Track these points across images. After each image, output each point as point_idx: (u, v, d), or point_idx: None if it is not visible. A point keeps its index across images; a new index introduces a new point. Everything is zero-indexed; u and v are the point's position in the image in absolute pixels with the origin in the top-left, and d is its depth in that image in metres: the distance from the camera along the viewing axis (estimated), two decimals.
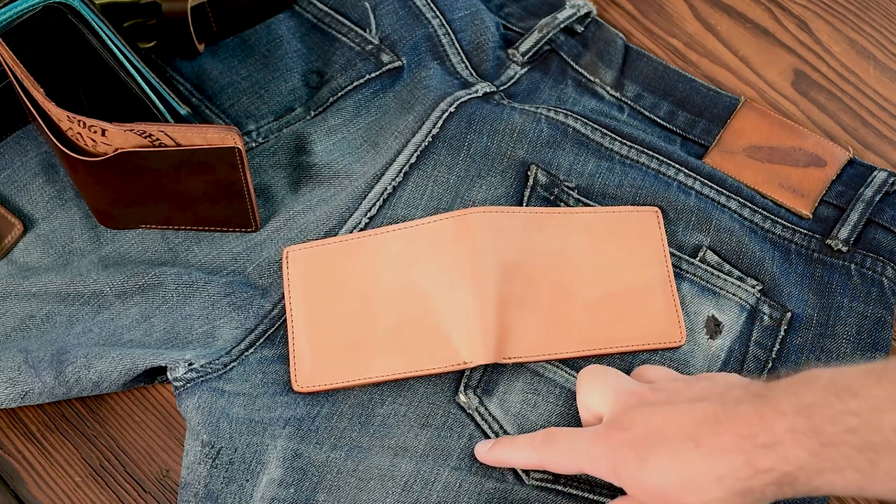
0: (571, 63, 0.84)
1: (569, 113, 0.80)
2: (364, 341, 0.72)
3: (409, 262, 0.73)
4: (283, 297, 0.75)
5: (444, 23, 0.84)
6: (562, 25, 0.84)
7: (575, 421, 0.71)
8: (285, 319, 0.75)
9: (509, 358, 0.71)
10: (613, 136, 0.79)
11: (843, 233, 0.76)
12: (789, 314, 0.74)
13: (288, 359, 0.73)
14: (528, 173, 0.78)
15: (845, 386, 0.50)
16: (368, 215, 0.77)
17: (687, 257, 0.76)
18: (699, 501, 0.55)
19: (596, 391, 0.63)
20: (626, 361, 0.73)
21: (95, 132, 0.70)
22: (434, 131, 0.79)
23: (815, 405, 0.51)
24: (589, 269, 0.74)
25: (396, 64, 0.83)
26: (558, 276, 0.73)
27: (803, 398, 0.51)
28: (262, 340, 0.74)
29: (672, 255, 0.76)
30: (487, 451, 0.68)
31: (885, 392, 0.49)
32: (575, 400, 0.72)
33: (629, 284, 0.73)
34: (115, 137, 0.70)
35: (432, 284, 0.72)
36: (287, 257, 0.75)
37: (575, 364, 0.73)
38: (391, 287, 0.73)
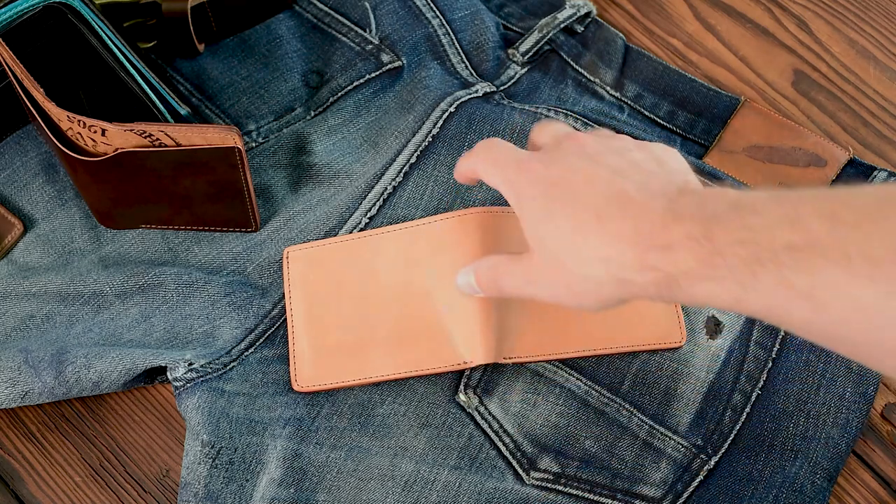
0: (571, 63, 0.84)
1: (569, 113, 0.80)
2: (364, 341, 0.72)
3: (410, 261, 0.73)
4: (284, 296, 0.75)
5: (444, 23, 0.84)
6: (562, 25, 0.84)
7: (576, 420, 0.71)
8: (285, 319, 0.75)
9: (509, 358, 0.71)
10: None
11: None
12: None
13: (288, 359, 0.73)
14: None
15: (748, 203, 0.50)
16: (368, 215, 0.77)
17: None
18: (579, 272, 0.56)
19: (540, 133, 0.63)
20: (625, 361, 0.73)
21: (95, 132, 0.70)
22: (434, 131, 0.79)
23: (716, 216, 0.51)
24: None
25: (396, 64, 0.83)
26: None
27: (707, 209, 0.51)
28: (262, 340, 0.74)
29: None
30: (458, 165, 0.66)
31: (783, 212, 0.49)
32: (575, 399, 0.72)
33: None
34: (115, 137, 0.70)
35: (432, 284, 0.72)
36: (287, 257, 0.75)
37: (575, 364, 0.73)
38: (391, 287, 0.73)
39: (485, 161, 0.62)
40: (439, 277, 0.72)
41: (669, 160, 0.58)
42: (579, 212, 0.55)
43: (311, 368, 0.72)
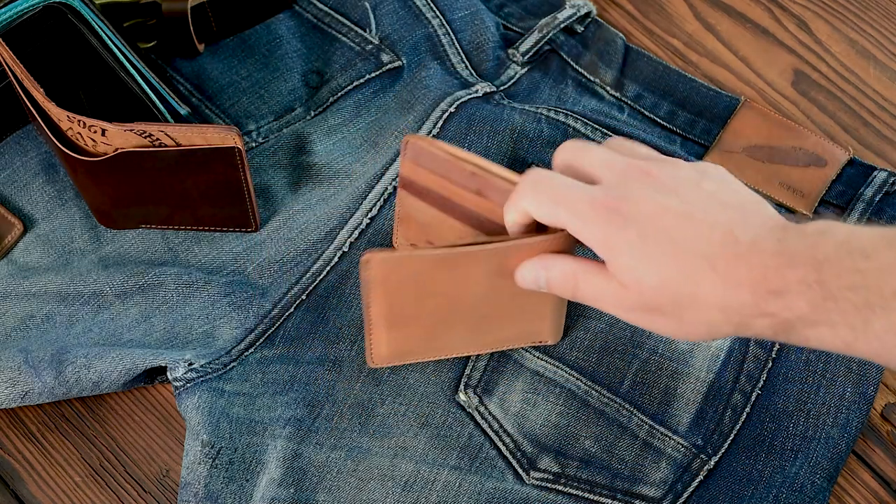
0: (571, 63, 0.84)
1: (569, 113, 0.80)
2: (446, 330, 0.69)
3: (497, 276, 0.66)
4: (284, 296, 0.75)
5: (444, 23, 0.84)
6: (562, 25, 0.84)
7: (576, 420, 0.71)
8: (286, 318, 0.74)
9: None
10: (614, 136, 0.79)
11: None
12: None
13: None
14: None
15: (858, 246, 0.50)
16: (369, 216, 0.77)
17: None
18: (695, 318, 0.55)
19: (575, 155, 0.58)
20: (625, 361, 0.73)
21: (95, 132, 0.70)
22: (434, 131, 0.79)
23: (827, 260, 0.51)
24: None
25: (396, 64, 0.83)
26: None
27: (818, 252, 0.51)
28: (262, 340, 0.74)
29: None
30: (507, 216, 0.60)
31: (893, 256, 0.49)
32: (575, 399, 0.72)
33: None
34: (115, 137, 0.70)
35: (512, 299, 0.68)
36: (367, 263, 0.65)
37: (575, 364, 0.73)
38: (474, 301, 0.68)
39: (543, 199, 0.57)
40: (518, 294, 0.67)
41: (733, 182, 0.57)
42: (688, 257, 0.54)
43: (387, 351, 0.70)
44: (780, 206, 0.78)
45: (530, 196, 0.58)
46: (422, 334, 0.70)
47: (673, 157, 0.78)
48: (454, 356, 0.72)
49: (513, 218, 0.60)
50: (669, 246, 0.54)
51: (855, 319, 0.50)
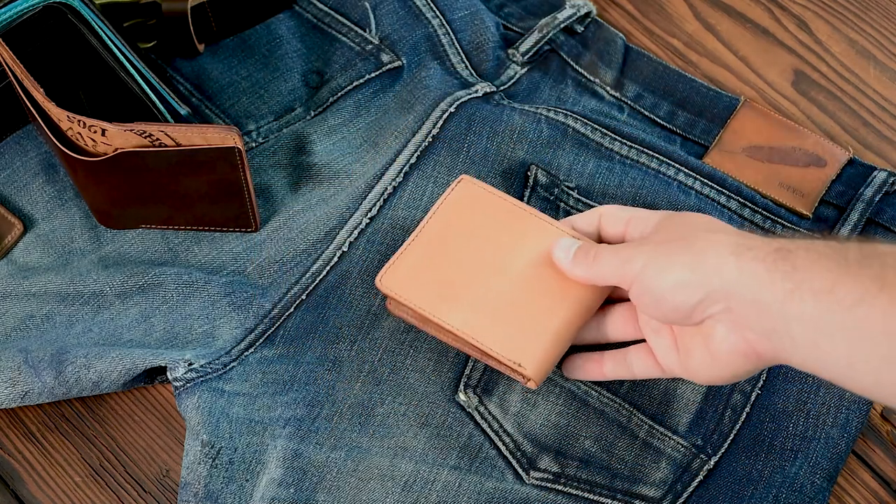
0: (571, 63, 0.84)
1: (569, 113, 0.80)
2: (457, 290, 0.69)
3: (542, 258, 0.70)
4: (284, 296, 0.75)
5: (444, 23, 0.84)
6: (562, 25, 0.84)
7: (575, 420, 0.71)
8: (288, 316, 0.74)
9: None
10: (613, 135, 0.79)
11: (844, 232, 0.76)
12: None
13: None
14: (528, 174, 0.78)
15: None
16: (369, 216, 0.77)
17: None
18: (705, 241, 0.61)
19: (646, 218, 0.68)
20: None
21: (95, 132, 0.70)
22: (434, 132, 0.79)
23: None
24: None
25: (396, 64, 0.83)
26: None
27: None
28: (262, 340, 0.74)
29: None
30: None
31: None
32: (575, 399, 0.72)
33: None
34: (115, 137, 0.70)
35: (547, 286, 0.69)
36: (459, 182, 0.72)
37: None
38: (513, 266, 0.69)
39: (622, 206, 0.70)
40: (557, 286, 0.69)
41: None
42: (715, 223, 0.63)
43: (401, 278, 0.70)
44: (781, 206, 0.78)
45: (612, 205, 0.70)
46: (438, 282, 0.69)
47: (672, 157, 0.79)
48: (442, 339, 0.70)
49: (586, 218, 0.70)
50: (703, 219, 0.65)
51: (855, 269, 0.54)
